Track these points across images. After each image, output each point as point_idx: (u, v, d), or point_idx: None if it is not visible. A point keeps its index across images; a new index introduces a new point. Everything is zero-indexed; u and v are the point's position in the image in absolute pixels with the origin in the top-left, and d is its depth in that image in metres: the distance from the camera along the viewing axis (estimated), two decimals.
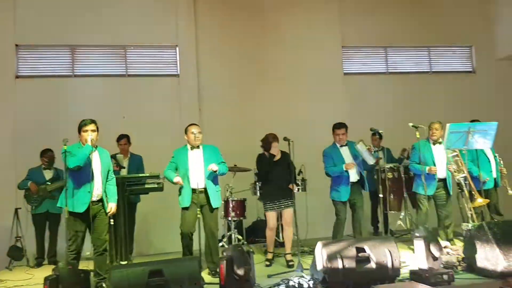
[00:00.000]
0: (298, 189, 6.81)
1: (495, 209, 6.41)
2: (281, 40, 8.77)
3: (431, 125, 6.12)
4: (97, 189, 4.83)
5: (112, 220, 5.71)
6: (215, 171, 5.28)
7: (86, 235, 4.91)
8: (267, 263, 5.87)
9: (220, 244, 6.81)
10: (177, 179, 5.34)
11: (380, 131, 5.87)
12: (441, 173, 6.02)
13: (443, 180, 6.06)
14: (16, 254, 6.58)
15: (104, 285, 4.84)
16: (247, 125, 8.17)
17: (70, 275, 3.61)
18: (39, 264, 6.69)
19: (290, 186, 5.79)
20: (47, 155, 6.85)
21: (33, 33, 7.89)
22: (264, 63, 8.65)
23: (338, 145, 6.13)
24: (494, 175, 6.35)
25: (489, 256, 4.31)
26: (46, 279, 4.03)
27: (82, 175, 4.72)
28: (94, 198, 4.80)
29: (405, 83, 9.25)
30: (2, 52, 7.77)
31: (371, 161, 5.98)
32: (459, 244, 5.16)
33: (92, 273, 4.86)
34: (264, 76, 8.63)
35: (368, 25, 9.16)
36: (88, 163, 4.72)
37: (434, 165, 6.00)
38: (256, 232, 7.72)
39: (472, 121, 6.16)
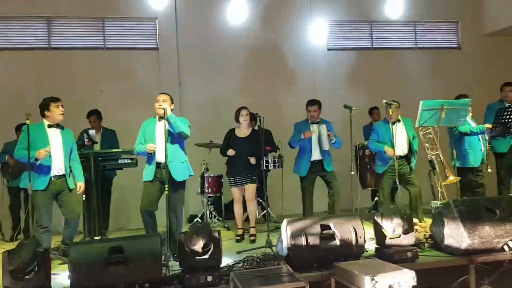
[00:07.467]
0: (275, 165, 6.80)
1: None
2: (266, 14, 8.56)
3: (390, 105, 5.80)
4: (58, 163, 4.86)
5: (83, 196, 5.72)
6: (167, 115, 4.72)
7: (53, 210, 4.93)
8: (238, 238, 5.91)
9: (195, 220, 6.82)
10: (148, 147, 4.86)
11: (353, 108, 5.78)
12: (401, 150, 5.95)
13: (405, 157, 5.98)
14: None
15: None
16: (226, 101, 8.05)
17: (26, 250, 3.57)
18: (14, 238, 6.68)
19: (251, 158, 5.85)
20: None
21: (5, 3, 7.67)
22: (249, 37, 8.47)
23: (309, 122, 6.13)
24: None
25: (454, 234, 4.31)
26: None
27: None
28: (55, 173, 4.83)
29: (389, 59, 9.11)
30: None
31: (326, 147, 6.01)
32: (427, 222, 5.16)
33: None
34: (247, 50, 8.49)
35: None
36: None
37: (392, 145, 5.75)
38: None
39: (459, 96, 6.05)
